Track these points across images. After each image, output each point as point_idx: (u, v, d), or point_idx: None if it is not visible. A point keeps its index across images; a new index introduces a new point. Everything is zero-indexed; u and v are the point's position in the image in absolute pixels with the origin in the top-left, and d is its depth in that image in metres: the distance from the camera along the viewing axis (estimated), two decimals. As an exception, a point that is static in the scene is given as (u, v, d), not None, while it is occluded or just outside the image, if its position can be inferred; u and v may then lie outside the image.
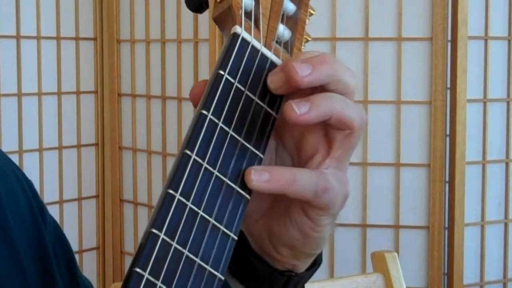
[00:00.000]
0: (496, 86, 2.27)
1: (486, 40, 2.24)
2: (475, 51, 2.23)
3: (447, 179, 2.23)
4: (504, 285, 2.31)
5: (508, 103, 2.29)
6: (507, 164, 2.29)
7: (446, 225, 2.24)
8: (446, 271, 2.25)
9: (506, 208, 2.30)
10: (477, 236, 2.28)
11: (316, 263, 0.58)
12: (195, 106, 0.50)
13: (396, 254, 1.32)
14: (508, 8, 2.27)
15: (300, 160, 0.53)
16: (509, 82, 2.28)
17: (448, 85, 2.21)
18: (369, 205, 2.27)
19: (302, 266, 0.57)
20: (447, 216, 2.23)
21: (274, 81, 0.50)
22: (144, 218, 2.63)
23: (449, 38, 2.19)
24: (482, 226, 2.28)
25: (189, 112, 2.48)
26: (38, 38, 2.49)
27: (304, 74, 0.48)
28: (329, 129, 0.51)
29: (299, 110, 0.47)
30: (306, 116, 0.47)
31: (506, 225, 2.30)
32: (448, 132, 2.22)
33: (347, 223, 2.26)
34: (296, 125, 0.49)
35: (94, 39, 2.66)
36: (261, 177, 0.48)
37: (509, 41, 2.27)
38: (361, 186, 2.26)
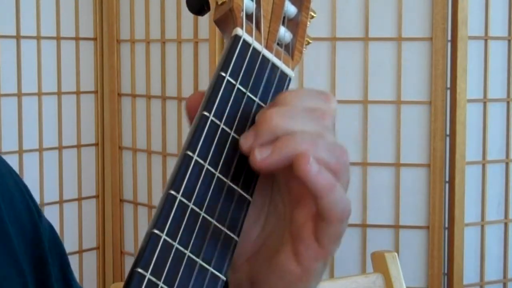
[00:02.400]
0: (496, 86, 2.27)
1: (486, 40, 2.24)
2: (475, 51, 2.23)
3: (447, 179, 2.23)
4: (504, 285, 2.31)
5: (508, 103, 2.29)
6: (507, 164, 2.29)
7: (446, 225, 2.24)
8: (446, 271, 2.25)
9: (506, 208, 2.30)
10: (477, 236, 2.28)
11: None
12: (190, 119, 0.48)
13: (396, 254, 1.32)
14: (508, 8, 2.27)
15: (289, 204, 0.50)
16: (509, 82, 2.28)
17: (448, 85, 2.21)
18: (369, 205, 2.27)
19: None
20: (447, 216, 2.23)
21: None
22: (144, 218, 2.63)
23: (449, 38, 2.19)
24: (482, 226, 2.28)
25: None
26: (38, 38, 2.49)
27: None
28: None
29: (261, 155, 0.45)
30: (267, 161, 0.45)
31: (506, 225, 2.30)
32: (448, 132, 2.22)
33: (347, 223, 2.26)
34: (259, 171, 0.46)
35: (94, 39, 2.66)
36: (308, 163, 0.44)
37: (509, 41, 2.27)
38: (361, 186, 2.26)
